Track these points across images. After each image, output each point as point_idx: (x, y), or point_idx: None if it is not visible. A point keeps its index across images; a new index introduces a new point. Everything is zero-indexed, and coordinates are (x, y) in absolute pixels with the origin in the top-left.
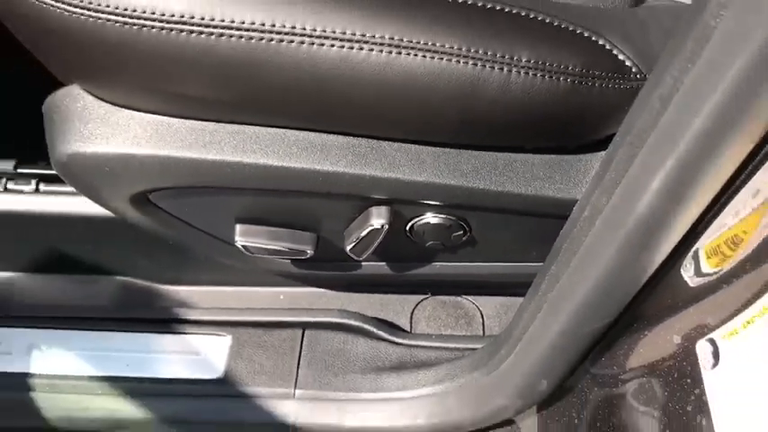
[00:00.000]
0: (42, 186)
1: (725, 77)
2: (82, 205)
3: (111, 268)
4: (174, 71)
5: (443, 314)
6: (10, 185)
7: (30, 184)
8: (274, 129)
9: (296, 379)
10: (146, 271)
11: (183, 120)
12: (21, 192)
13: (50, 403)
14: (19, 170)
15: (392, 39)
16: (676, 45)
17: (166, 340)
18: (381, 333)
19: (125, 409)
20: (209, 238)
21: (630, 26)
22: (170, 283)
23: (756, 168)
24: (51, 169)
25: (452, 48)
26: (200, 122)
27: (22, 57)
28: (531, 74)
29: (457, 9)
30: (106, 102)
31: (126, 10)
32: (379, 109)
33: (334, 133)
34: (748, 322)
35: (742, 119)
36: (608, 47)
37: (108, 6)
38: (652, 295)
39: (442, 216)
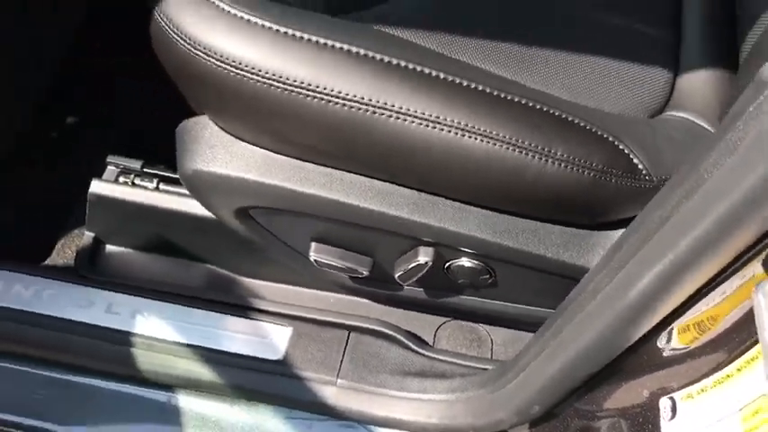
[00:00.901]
0: (161, 186)
1: (709, 216)
2: (190, 206)
3: (204, 257)
4: (289, 123)
5: (461, 336)
6: (137, 181)
7: (152, 182)
8: (356, 175)
9: (338, 370)
10: (231, 263)
11: (286, 157)
12: (144, 188)
13: (143, 358)
14: (145, 170)
15: (459, 123)
16: (677, 181)
17: (239, 322)
18: (410, 344)
19: (200, 372)
20: (289, 249)
21: (645, 135)
22: (248, 276)
23: (726, 278)
24: (170, 172)
25: (504, 136)
26: (298, 161)
27: (166, 85)
28: (562, 165)
29: (510, 105)
30: (228, 133)
31: (260, 71)
32: (441, 175)
33: (401, 185)
34: (702, 390)
35: (718, 247)
36: (626, 151)
37: (247, 66)
38: (631, 357)
39: (475, 262)
